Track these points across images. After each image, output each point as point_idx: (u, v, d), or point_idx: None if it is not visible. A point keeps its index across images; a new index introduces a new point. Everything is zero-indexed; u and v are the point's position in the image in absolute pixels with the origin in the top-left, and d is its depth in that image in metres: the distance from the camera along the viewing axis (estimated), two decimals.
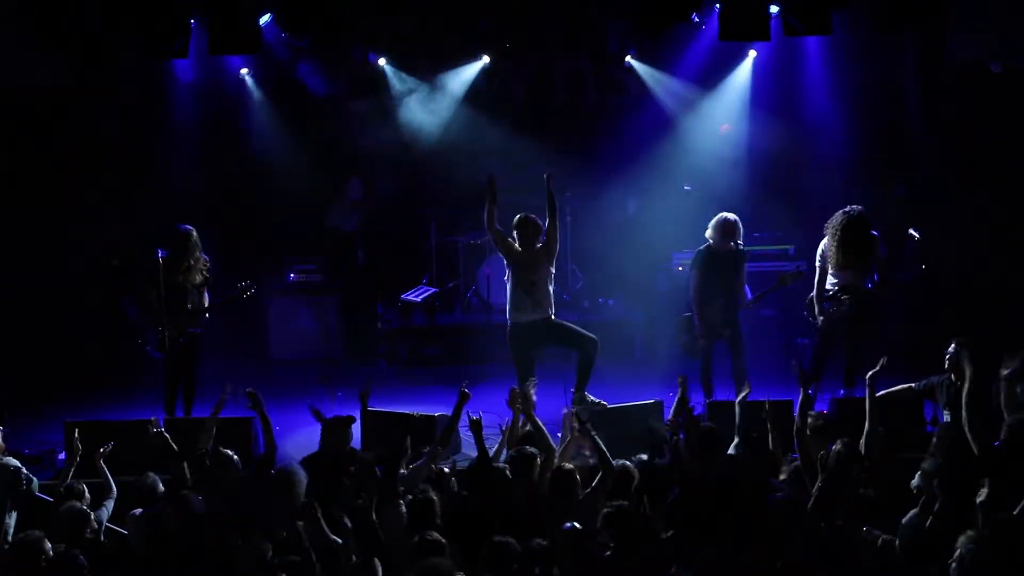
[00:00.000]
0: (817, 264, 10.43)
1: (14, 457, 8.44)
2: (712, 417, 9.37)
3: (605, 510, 7.06)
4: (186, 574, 6.87)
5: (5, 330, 12.30)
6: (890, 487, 7.57)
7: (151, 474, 7.97)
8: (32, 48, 11.89)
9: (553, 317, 10.12)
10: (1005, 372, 8.74)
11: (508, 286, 10.13)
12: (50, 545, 6.73)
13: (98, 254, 13.10)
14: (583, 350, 10.02)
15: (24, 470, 8.17)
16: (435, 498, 7.30)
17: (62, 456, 9.69)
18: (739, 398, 8.93)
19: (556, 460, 8.05)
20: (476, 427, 8.03)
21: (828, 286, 10.35)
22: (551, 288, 10.11)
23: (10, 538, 7.58)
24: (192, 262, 10.34)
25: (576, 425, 8.40)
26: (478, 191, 10.33)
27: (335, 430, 8.41)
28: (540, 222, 10.07)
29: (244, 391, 8.44)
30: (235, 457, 8.07)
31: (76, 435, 8.43)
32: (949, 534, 6.48)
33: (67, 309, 12.93)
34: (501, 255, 10.21)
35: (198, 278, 10.41)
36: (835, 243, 10.24)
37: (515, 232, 10.11)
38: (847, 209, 10.23)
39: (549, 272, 10.10)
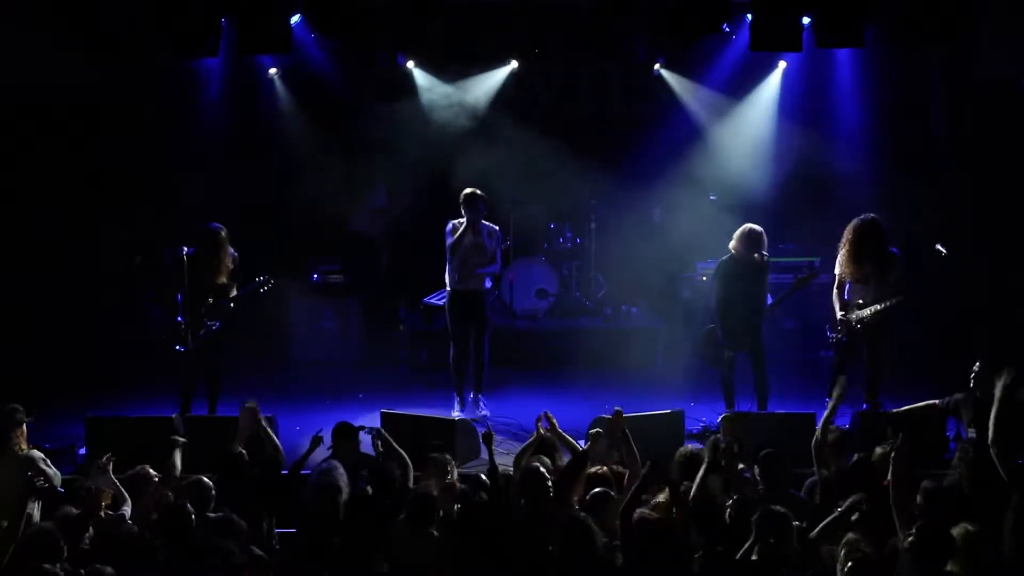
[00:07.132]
0: (836, 273, 10.37)
1: (37, 451, 8.50)
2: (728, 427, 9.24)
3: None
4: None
5: (29, 326, 12.35)
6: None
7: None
8: (65, 51, 11.94)
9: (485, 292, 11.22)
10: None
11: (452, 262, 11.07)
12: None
13: (126, 253, 13.12)
14: (478, 354, 11.13)
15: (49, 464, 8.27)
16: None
17: (83, 451, 9.75)
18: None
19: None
20: (487, 439, 8.13)
21: (847, 299, 10.29)
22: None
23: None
24: (219, 260, 10.28)
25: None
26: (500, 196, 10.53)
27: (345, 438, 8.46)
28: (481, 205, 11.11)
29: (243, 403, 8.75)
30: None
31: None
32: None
33: (91, 306, 12.96)
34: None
35: (223, 278, 10.35)
36: (847, 254, 10.15)
37: (462, 207, 11.06)
38: (860, 217, 10.15)
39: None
